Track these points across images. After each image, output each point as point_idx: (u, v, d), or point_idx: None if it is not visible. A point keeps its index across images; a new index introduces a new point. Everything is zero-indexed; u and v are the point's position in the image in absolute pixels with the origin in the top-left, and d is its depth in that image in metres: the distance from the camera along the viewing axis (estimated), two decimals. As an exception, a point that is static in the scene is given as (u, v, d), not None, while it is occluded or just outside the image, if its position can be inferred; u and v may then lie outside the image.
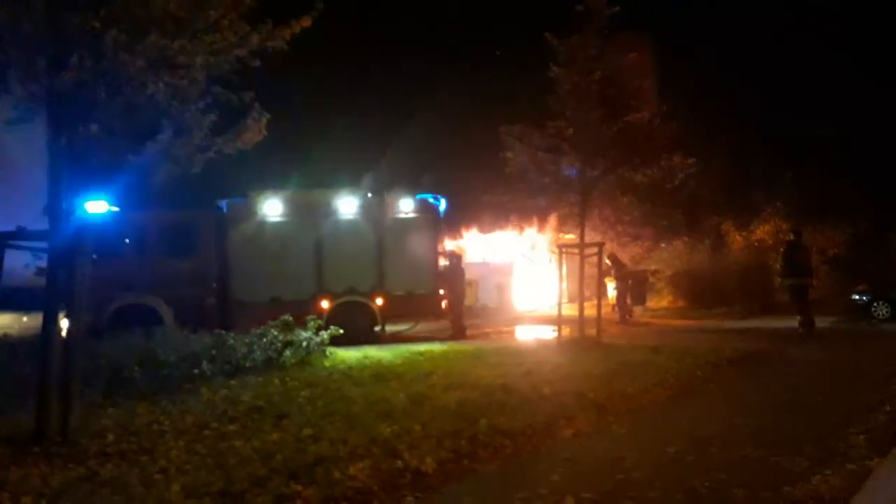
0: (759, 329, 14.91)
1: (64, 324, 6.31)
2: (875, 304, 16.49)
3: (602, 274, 13.60)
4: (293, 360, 9.88)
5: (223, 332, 10.10)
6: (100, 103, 5.92)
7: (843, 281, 19.30)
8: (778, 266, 17.88)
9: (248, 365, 9.37)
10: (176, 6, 5.91)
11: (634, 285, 18.90)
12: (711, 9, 23.24)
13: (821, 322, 13.99)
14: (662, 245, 23.24)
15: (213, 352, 9.20)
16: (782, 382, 9.17)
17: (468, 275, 15.83)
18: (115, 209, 13.37)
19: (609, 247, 19.13)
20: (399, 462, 5.30)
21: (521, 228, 22.95)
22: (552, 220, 21.81)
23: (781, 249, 15.50)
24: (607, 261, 18.96)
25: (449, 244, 18.47)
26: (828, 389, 8.44)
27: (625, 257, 20.04)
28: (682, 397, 8.21)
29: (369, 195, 14.40)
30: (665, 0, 23.04)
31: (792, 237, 14.78)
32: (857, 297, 17.00)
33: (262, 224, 13.49)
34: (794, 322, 13.91)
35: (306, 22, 6.66)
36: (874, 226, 21.71)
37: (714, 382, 9.06)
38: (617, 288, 18.69)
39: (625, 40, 12.83)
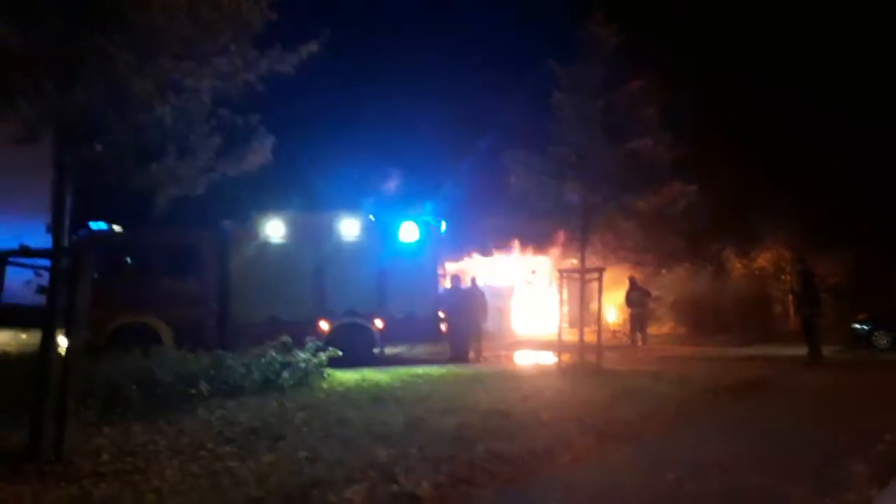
0: (760, 357, 14.86)
1: (62, 342, 6.31)
2: (876, 334, 16.45)
3: (601, 298, 13.57)
4: (291, 382, 9.84)
5: (222, 352, 10.09)
6: (106, 124, 5.98)
7: (844, 310, 19.26)
8: (789, 294, 17.79)
9: (245, 386, 9.32)
10: (185, 29, 6.00)
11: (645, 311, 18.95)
12: (715, 37, 23.45)
13: (822, 351, 13.93)
14: (664, 271, 23.25)
15: (212, 372, 9.17)
16: (782, 410, 9.12)
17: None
18: (118, 229, 13.44)
19: (612, 272, 19.19)
20: (395, 486, 5.26)
21: (523, 252, 22.99)
22: (554, 244, 21.86)
23: (797, 277, 15.35)
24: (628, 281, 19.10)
25: (450, 267, 18.52)
26: (828, 418, 8.40)
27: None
28: (682, 424, 8.15)
29: (370, 217, 14.46)
30: (669, 28, 23.27)
31: (803, 265, 14.72)
32: (857, 326, 16.95)
33: (264, 245, 13.53)
34: (795, 350, 13.85)
35: (313, 48, 6.76)
36: (876, 254, 21.71)
37: (714, 410, 9.01)
38: (631, 313, 18.72)
39: (628, 68, 12.97)
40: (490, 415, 7.80)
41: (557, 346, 12.96)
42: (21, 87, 5.84)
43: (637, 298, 18.66)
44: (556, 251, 22.34)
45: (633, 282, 19.19)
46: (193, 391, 8.60)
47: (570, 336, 13.73)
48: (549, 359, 14.32)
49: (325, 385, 10.21)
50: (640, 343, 18.13)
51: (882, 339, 16.26)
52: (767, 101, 23.04)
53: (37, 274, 6.78)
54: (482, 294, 15.32)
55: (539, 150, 13.21)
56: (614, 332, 19.50)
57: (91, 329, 11.45)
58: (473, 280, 15.73)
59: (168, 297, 12.74)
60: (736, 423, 8.35)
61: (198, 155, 6.51)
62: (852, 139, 22.20)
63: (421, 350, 14.53)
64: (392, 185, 21.96)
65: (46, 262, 6.30)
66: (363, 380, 10.69)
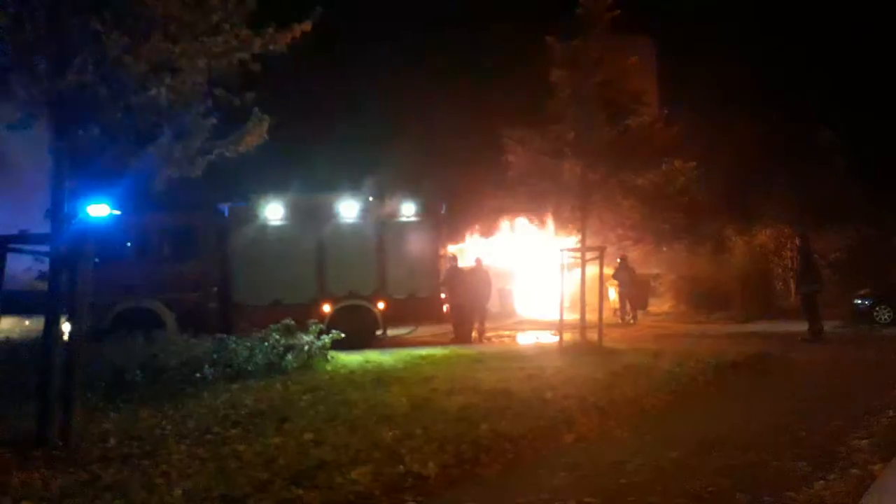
0: (761, 333, 14.87)
1: (65, 328, 6.31)
2: (877, 309, 16.43)
3: (603, 277, 13.57)
4: (295, 365, 9.87)
5: (225, 335, 10.11)
6: (101, 106, 5.92)
7: (845, 285, 19.24)
8: (790, 271, 17.78)
9: (249, 369, 9.36)
10: (178, 8, 5.92)
11: (636, 290, 19.06)
12: (712, 13, 23.26)
13: (823, 326, 13.96)
14: (664, 249, 23.20)
15: (215, 356, 9.20)
16: (784, 386, 9.15)
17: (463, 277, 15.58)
18: (117, 213, 13.39)
19: (612, 250, 19.18)
20: (401, 466, 5.28)
21: (523, 232, 22.92)
22: (553, 223, 21.78)
23: (794, 255, 15.38)
24: (618, 260, 19.15)
25: (451, 249, 18.50)
26: (830, 394, 8.42)
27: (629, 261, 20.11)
28: (684, 401, 8.17)
29: (371, 198, 14.39)
30: (666, 4, 23.06)
31: (802, 242, 14.71)
32: (858, 301, 16.93)
33: (264, 227, 13.49)
34: (795, 327, 13.86)
35: (307, 27, 6.67)
36: (876, 229, 21.66)
37: (716, 387, 9.03)
38: (619, 291, 18.86)
39: (626, 44, 12.86)
40: (493, 394, 7.83)
41: (559, 326, 12.97)
42: (13, 69, 5.77)
43: (623, 277, 18.78)
44: (556, 231, 22.27)
45: (623, 260, 19.31)
46: (198, 375, 8.63)
47: (572, 315, 13.74)
48: (550, 338, 14.34)
49: (328, 367, 10.24)
50: (630, 321, 18.32)
51: (883, 314, 16.23)
52: (766, 77, 22.92)
53: (38, 260, 6.76)
54: (487, 274, 15.29)
55: (537, 129, 13.13)
56: (615, 310, 19.51)
57: (94, 314, 11.52)
58: (478, 260, 15.67)
59: (170, 281, 12.75)
60: (737, 400, 8.38)
61: (194, 136, 6.45)
62: (852, 114, 22.08)
63: (424, 331, 14.55)
64: (391, 165, 21.84)
65: (47, 248, 6.28)
66: (366, 362, 10.72)
